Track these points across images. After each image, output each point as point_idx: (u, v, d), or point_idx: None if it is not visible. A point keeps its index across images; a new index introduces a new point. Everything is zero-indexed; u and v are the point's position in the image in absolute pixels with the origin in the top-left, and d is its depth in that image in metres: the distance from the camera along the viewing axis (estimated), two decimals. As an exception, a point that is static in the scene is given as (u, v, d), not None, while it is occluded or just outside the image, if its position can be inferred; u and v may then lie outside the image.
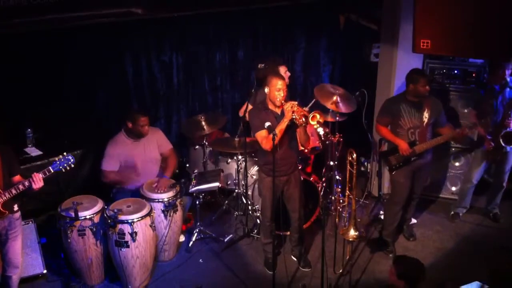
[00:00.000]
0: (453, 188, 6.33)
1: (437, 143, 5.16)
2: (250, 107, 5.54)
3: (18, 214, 4.40)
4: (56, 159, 4.29)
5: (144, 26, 6.07)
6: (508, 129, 5.37)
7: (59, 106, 5.65)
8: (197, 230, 5.66)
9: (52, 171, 4.24)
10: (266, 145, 4.59)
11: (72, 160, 4.31)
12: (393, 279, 3.73)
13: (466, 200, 6.02)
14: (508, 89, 5.51)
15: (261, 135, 4.65)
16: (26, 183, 4.15)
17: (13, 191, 4.15)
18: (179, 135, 6.84)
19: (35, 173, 4.16)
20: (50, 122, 5.63)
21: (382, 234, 5.56)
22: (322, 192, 5.84)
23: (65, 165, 4.29)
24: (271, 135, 4.43)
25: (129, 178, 5.37)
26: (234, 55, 7.11)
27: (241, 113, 6.05)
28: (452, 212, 6.09)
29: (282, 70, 5.79)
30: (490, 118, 5.50)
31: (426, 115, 5.11)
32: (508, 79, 5.51)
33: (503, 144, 5.40)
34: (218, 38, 6.90)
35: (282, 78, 4.74)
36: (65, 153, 4.32)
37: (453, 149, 6.24)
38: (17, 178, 4.35)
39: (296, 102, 4.56)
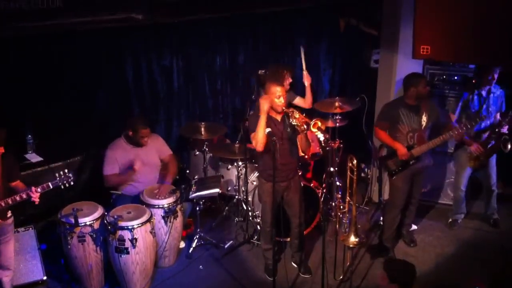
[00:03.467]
0: (452, 194, 6.32)
1: (434, 145, 5.15)
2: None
3: (10, 220, 4.47)
4: (57, 175, 4.32)
5: (144, 30, 6.08)
6: (505, 136, 5.41)
7: (59, 106, 5.64)
8: (197, 236, 5.66)
9: (51, 187, 4.29)
10: (258, 145, 4.59)
11: (71, 178, 4.36)
12: (385, 284, 3.71)
13: (462, 207, 6.02)
14: (492, 96, 5.54)
15: (254, 136, 4.66)
16: (24, 196, 4.19)
17: (10, 202, 4.19)
18: (179, 140, 6.83)
19: (33, 187, 4.20)
20: (50, 125, 5.63)
21: (381, 239, 5.56)
22: (322, 198, 5.83)
23: (65, 182, 4.34)
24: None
25: (128, 178, 5.39)
26: (234, 59, 7.11)
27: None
28: (450, 220, 6.08)
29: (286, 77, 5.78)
30: (473, 123, 5.53)
31: (424, 118, 5.12)
32: (493, 86, 5.54)
33: (502, 149, 5.43)
34: (218, 42, 6.91)
35: (281, 84, 4.74)
36: (66, 170, 4.36)
37: (451, 153, 6.22)
38: (16, 183, 4.39)
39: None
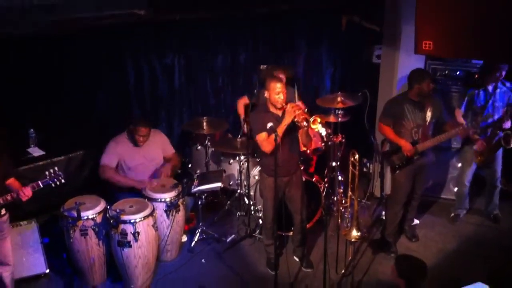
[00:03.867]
0: (455, 189, 6.29)
1: (439, 141, 5.15)
2: (246, 100, 5.83)
3: (5, 217, 4.45)
4: (47, 173, 4.33)
5: (145, 32, 6.08)
6: (508, 132, 5.40)
7: (59, 107, 5.66)
8: (199, 230, 5.67)
9: (41, 186, 4.29)
10: (266, 147, 4.62)
11: (61, 176, 4.36)
12: (393, 278, 3.73)
13: (464, 202, 6.03)
14: (498, 91, 5.53)
15: (261, 137, 4.67)
16: (15, 195, 4.21)
17: (1, 201, 4.22)
18: (181, 135, 6.84)
19: (23, 187, 4.21)
20: (50, 126, 5.64)
21: (383, 234, 5.57)
22: (324, 193, 5.84)
23: (55, 180, 4.35)
24: (271, 137, 4.48)
25: (127, 180, 5.41)
26: (235, 58, 7.09)
27: (239, 107, 6.25)
28: (453, 214, 6.08)
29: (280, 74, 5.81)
30: (479, 119, 5.52)
31: (428, 114, 5.13)
32: (499, 82, 5.52)
33: (503, 145, 5.41)
34: (219, 41, 6.89)
35: (280, 80, 4.74)
36: (56, 168, 4.37)
37: (455, 149, 6.22)
38: (10, 181, 4.38)
39: (297, 104, 4.58)
